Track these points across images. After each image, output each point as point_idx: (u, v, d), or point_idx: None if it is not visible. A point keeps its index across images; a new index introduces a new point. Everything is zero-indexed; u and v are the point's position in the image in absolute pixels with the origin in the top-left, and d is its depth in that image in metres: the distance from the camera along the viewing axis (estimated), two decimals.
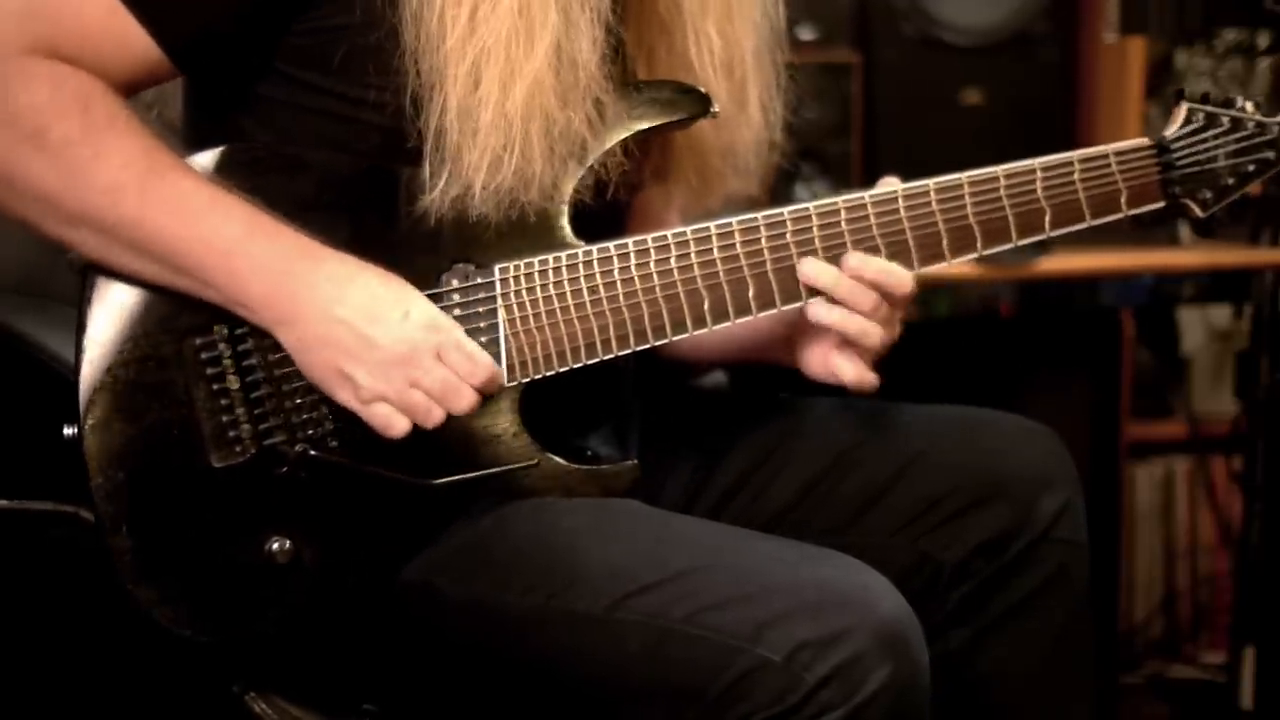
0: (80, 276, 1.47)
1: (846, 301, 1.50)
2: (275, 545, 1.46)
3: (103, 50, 1.42)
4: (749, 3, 1.63)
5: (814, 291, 1.51)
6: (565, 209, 1.50)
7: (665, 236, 1.49)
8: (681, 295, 1.50)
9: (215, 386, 1.46)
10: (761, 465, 1.70)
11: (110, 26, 1.42)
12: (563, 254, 1.49)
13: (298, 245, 1.43)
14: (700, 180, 1.68)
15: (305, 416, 1.47)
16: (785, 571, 1.38)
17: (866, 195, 1.51)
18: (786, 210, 1.51)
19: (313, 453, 1.47)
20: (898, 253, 1.51)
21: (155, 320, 1.46)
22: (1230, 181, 1.55)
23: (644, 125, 1.52)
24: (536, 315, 1.49)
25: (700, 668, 1.34)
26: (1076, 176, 1.53)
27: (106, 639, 1.64)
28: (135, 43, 1.43)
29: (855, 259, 1.50)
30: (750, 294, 1.50)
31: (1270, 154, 1.55)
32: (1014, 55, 2.78)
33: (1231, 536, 3.14)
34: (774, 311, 1.51)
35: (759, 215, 1.50)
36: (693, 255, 1.50)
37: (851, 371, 1.55)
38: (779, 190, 2.56)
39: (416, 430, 1.45)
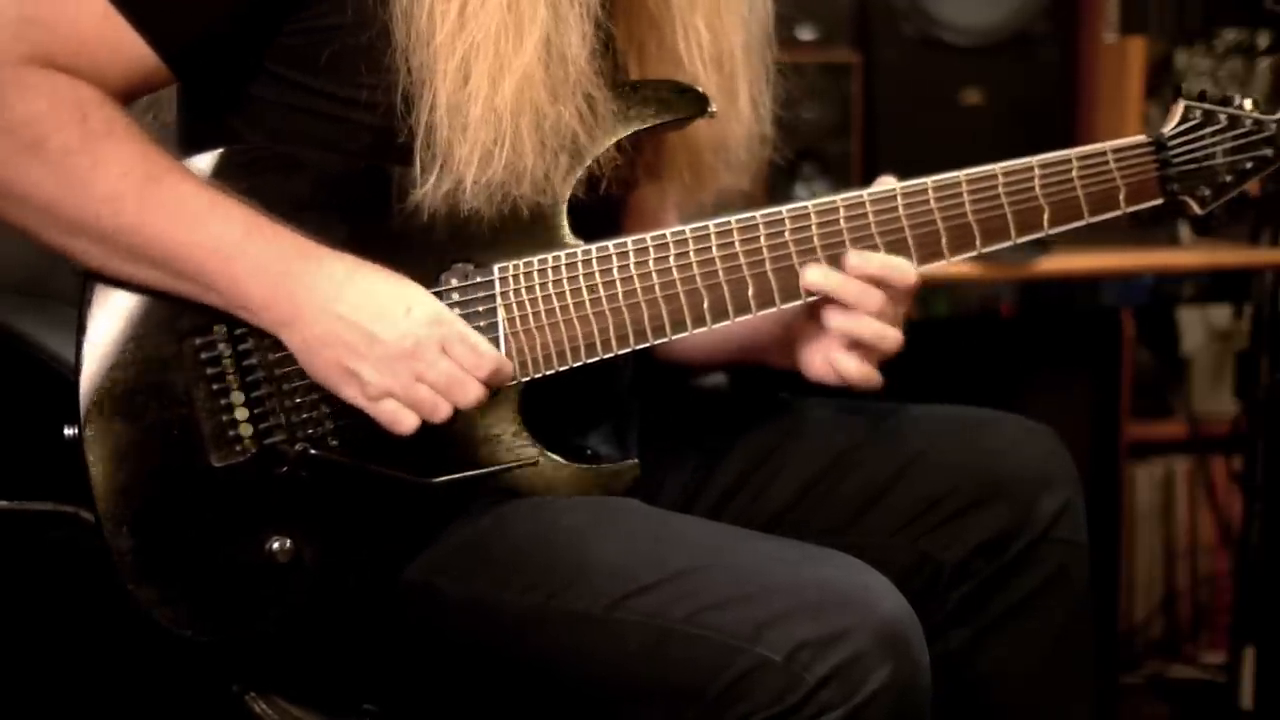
0: (81, 278, 1.47)
1: (855, 304, 1.50)
2: (276, 545, 1.46)
3: (99, 57, 1.42)
4: None
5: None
6: (563, 209, 1.50)
7: (664, 235, 1.50)
8: (681, 294, 1.50)
9: (215, 386, 1.46)
10: (761, 465, 1.70)
11: (105, 33, 1.42)
12: (561, 253, 1.49)
13: (297, 246, 1.43)
14: (693, 176, 1.68)
15: (305, 416, 1.47)
16: (785, 571, 1.38)
17: (865, 194, 1.51)
18: (785, 209, 1.51)
19: (313, 452, 1.47)
20: (896, 251, 1.51)
21: (155, 322, 1.46)
22: (1228, 179, 1.55)
23: (641, 125, 1.52)
24: (536, 315, 1.49)
25: (700, 667, 1.34)
26: (1075, 174, 1.53)
27: (107, 639, 1.64)
28: (130, 49, 1.43)
29: (855, 258, 1.50)
30: (750, 293, 1.50)
31: (1268, 151, 1.55)
32: (1014, 55, 2.78)
33: (1231, 536, 3.14)
34: (773, 310, 1.52)
35: (757, 214, 1.50)
36: (691, 254, 1.50)
37: (857, 370, 1.55)
38: (779, 190, 2.56)
39: (417, 429, 1.45)
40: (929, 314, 2.58)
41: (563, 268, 1.49)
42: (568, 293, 1.49)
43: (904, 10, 2.74)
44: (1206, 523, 3.21)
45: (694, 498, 1.71)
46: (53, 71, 1.40)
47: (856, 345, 1.54)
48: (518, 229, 1.49)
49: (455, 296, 1.48)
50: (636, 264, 1.49)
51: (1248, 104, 1.56)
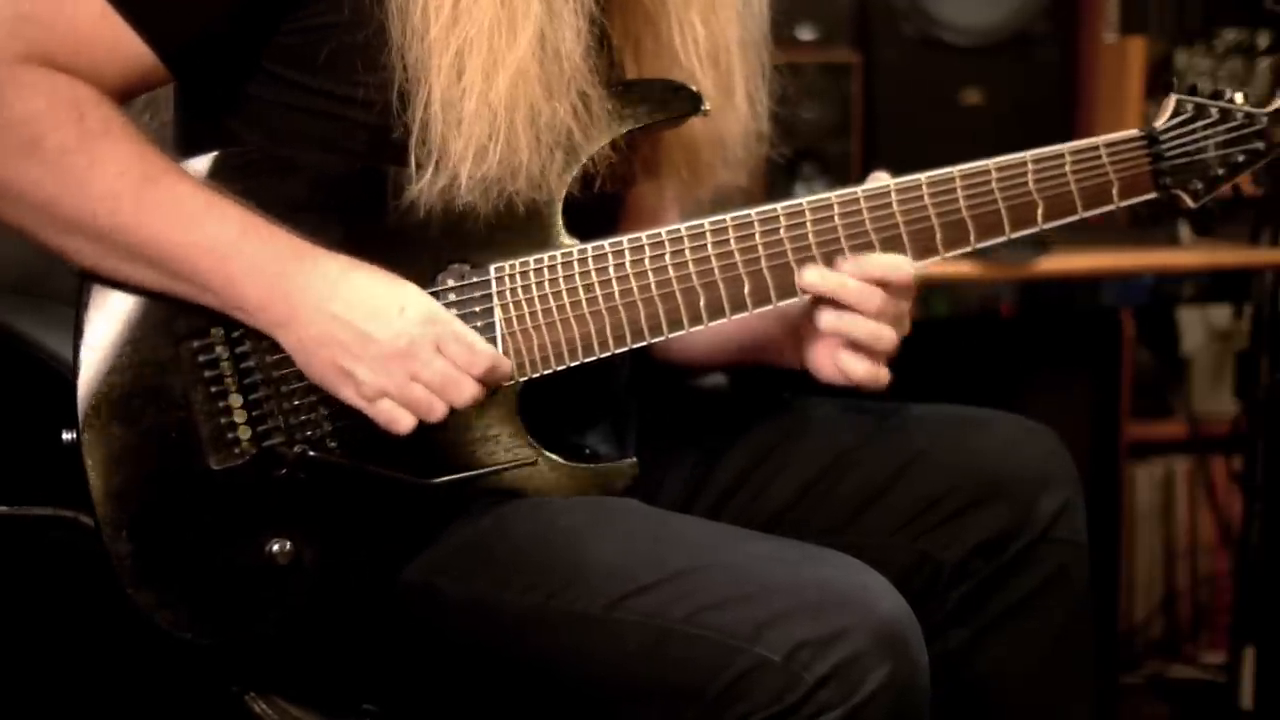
0: (78, 278, 1.47)
1: (854, 304, 1.51)
2: (275, 547, 1.46)
3: (96, 56, 1.42)
4: None
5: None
6: (559, 208, 1.50)
7: (660, 234, 1.50)
8: (677, 293, 1.50)
9: (213, 389, 1.46)
10: (761, 465, 1.70)
11: (102, 32, 1.42)
12: (558, 253, 1.49)
13: (292, 247, 1.43)
14: (691, 173, 1.68)
15: (303, 418, 1.47)
16: (784, 571, 1.38)
17: (860, 191, 1.52)
18: (780, 206, 1.51)
19: (311, 453, 1.47)
20: (891, 247, 1.52)
21: (152, 325, 1.46)
22: (1220, 172, 1.56)
23: (635, 125, 1.52)
24: (533, 314, 1.49)
25: (699, 667, 1.34)
26: (1068, 168, 1.53)
27: (107, 643, 1.64)
28: (128, 47, 1.43)
29: (851, 262, 1.50)
30: (746, 290, 1.50)
31: (1259, 144, 1.55)
32: (1014, 55, 2.78)
33: (1231, 536, 3.14)
34: (769, 309, 1.52)
35: (753, 212, 1.50)
36: (687, 253, 1.50)
37: (862, 370, 1.55)
38: (779, 189, 2.57)
39: (416, 430, 1.45)
40: (929, 314, 2.58)
41: (559, 267, 1.49)
42: (564, 292, 1.49)
43: (904, 10, 2.74)
44: (1206, 523, 3.21)
45: (693, 497, 1.71)
46: (50, 70, 1.40)
47: (854, 345, 1.53)
48: (514, 229, 1.49)
49: (452, 297, 1.48)
50: (633, 263, 1.49)
51: (1239, 97, 1.57)
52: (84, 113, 1.40)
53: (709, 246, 1.50)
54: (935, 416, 1.70)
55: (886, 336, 1.52)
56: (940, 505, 1.62)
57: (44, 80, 1.40)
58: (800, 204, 1.51)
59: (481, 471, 1.50)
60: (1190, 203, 1.56)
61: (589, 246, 1.49)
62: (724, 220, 1.50)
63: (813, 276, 1.50)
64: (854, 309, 1.51)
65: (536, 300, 1.49)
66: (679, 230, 1.50)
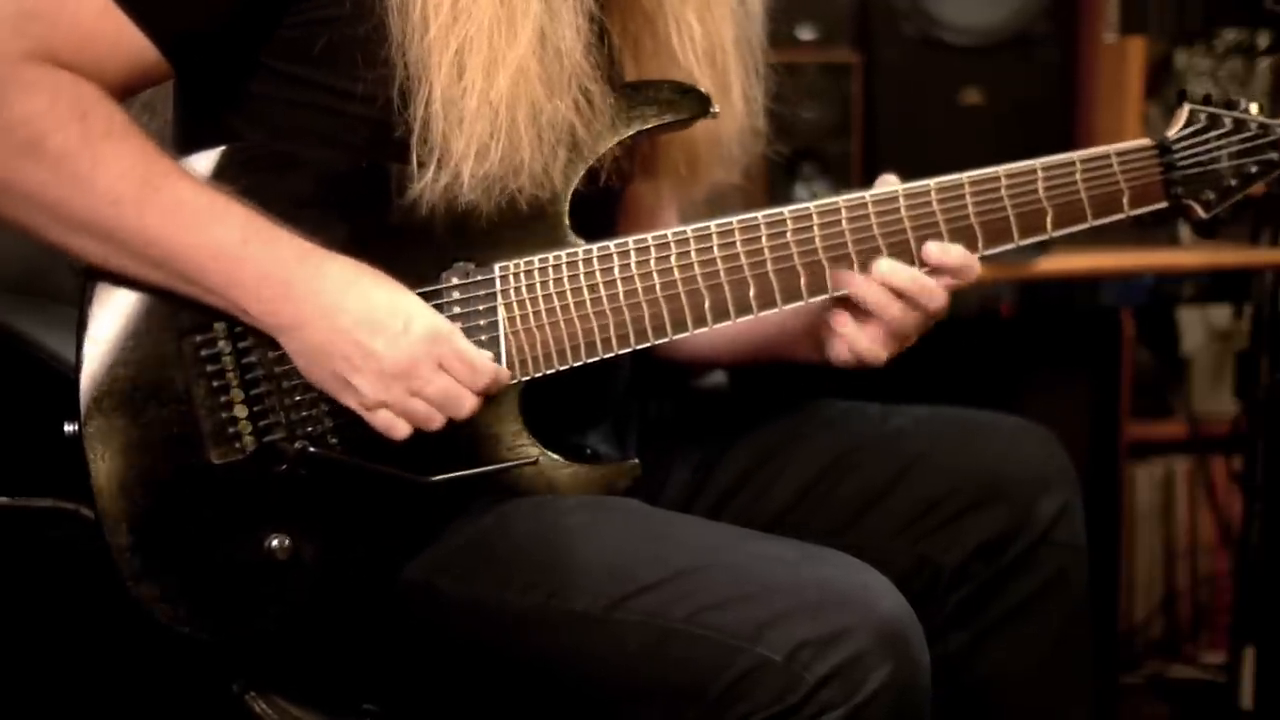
0: (81, 277, 1.46)
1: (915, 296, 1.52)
2: (275, 542, 1.46)
3: (99, 51, 1.42)
4: None
5: (836, 287, 1.51)
6: (565, 207, 1.50)
7: (665, 235, 1.50)
8: (682, 294, 1.50)
9: (215, 384, 1.46)
10: (761, 466, 1.70)
11: (105, 27, 1.41)
12: (562, 252, 1.49)
13: (296, 250, 1.43)
14: (689, 171, 1.68)
15: (305, 414, 1.47)
16: (785, 571, 1.38)
17: (867, 195, 1.52)
18: (787, 210, 1.51)
19: (312, 449, 1.47)
20: (899, 253, 1.52)
21: (156, 319, 1.46)
22: (1233, 182, 1.56)
23: (644, 125, 1.52)
24: (536, 314, 1.49)
25: (700, 667, 1.34)
26: (1078, 177, 1.53)
27: (107, 637, 1.64)
28: (130, 42, 1.42)
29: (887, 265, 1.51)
30: (751, 293, 1.50)
31: (1274, 155, 1.55)
32: (1014, 55, 2.78)
33: (1231, 536, 3.14)
34: (774, 312, 1.51)
35: (759, 215, 1.50)
36: (693, 254, 1.50)
37: (876, 351, 1.55)
38: (779, 190, 2.57)
39: (429, 430, 1.45)
40: None
41: (563, 266, 1.49)
42: (568, 292, 1.49)
43: (904, 10, 2.74)
44: (1206, 523, 3.21)
45: (694, 498, 1.71)
46: (54, 67, 1.40)
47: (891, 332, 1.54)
48: (518, 227, 1.49)
49: (456, 295, 1.48)
50: (638, 263, 1.49)
51: (1253, 108, 1.56)
52: (86, 112, 1.40)
53: (715, 248, 1.50)
54: (935, 419, 1.70)
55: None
56: (940, 508, 1.63)
57: (47, 78, 1.39)
58: (808, 208, 1.51)
59: (483, 470, 1.50)
60: (1202, 213, 1.56)
61: (594, 246, 1.49)
62: (730, 222, 1.50)
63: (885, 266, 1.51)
64: (923, 306, 1.52)
65: (540, 300, 1.49)
66: (685, 231, 1.50)
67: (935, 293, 1.52)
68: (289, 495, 1.47)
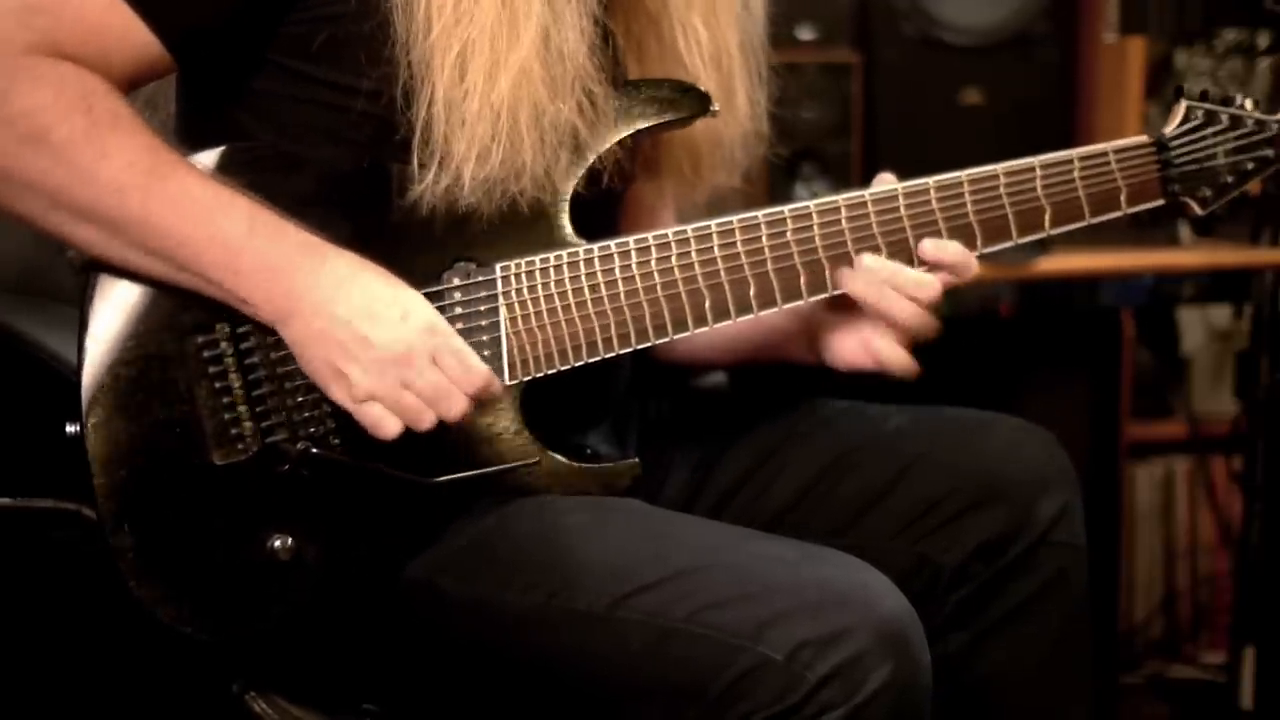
0: (81, 275, 1.46)
1: (913, 292, 1.52)
2: (277, 543, 1.46)
3: (105, 45, 1.42)
4: None
5: (836, 285, 1.52)
6: (565, 207, 1.50)
7: (666, 235, 1.50)
8: (683, 294, 1.50)
9: (217, 384, 1.46)
10: (761, 465, 1.70)
11: (110, 21, 1.42)
12: (563, 252, 1.49)
13: (300, 242, 1.43)
14: (692, 172, 1.68)
15: (307, 414, 1.47)
16: (786, 570, 1.38)
17: (867, 194, 1.52)
18: (787, 209, 1.51)
19: (314, 450, 1.47)
20: (898, 251, 1.52)
21: (158, 318, 1.46)
22: (1229, 179, 1.56)
23: (645, 124, 1.52)
24: (538, 314, 1.49)
25: (701, 666, 1.34)
26: (1076, 174, 1.53)
27: (108, 637, 1.64)
28: (136, 36, 1.43)
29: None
30: (751, 293, 1.50)
31: (1269, 152, 1.55)
32: (1014, 55, 2.78)
33: (1231, 536, 3.14)
34: (774, 311, 1.52)
35: (759, 214, 1.51)
36: (693, 254, 1.50)
37: (894, 354, 1.56)
38: (779, 190, 2.57)
39: (418, 429, 1.45)
40: None
41: (564, 266, 1.49)
42: (569, 291, 1.49)
43: (904, 10, 2.74)
44: (1206, 523, 3.21)
45: (694, 498, 1.71)
46: (59, 60, 1.40)
47: (894, 327, 1.54)
48: (519, 227, 1.49)
49: (457, 295, 1.48)
50: (638, 263, 1.50)
51: (1249, 104, 1.56)
52: (92, 104, 1.40)
53: (715, 248, 1.50)
54: (935, 419, 1.70)
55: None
56: (940, 508, 1.63)
57: (52, 71, 1.39)
58: (808, 207, 1.51)
59: (484, 471, 1.50)
60: (1199, 210, 1.56)
61: (595, 246, 1.49)
62: (730, 221, 1.50)
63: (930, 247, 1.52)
64: (914, 297, 1.52)
65: (541, 299, 1.49)
66: (685, 231, 1.50)
67: (926, 281, 1.52)
68: (291, 496, 1.47)
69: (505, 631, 1.44)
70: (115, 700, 1.72)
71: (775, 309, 1.51)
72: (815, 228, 1.51)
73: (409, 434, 1.45)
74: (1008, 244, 1.54)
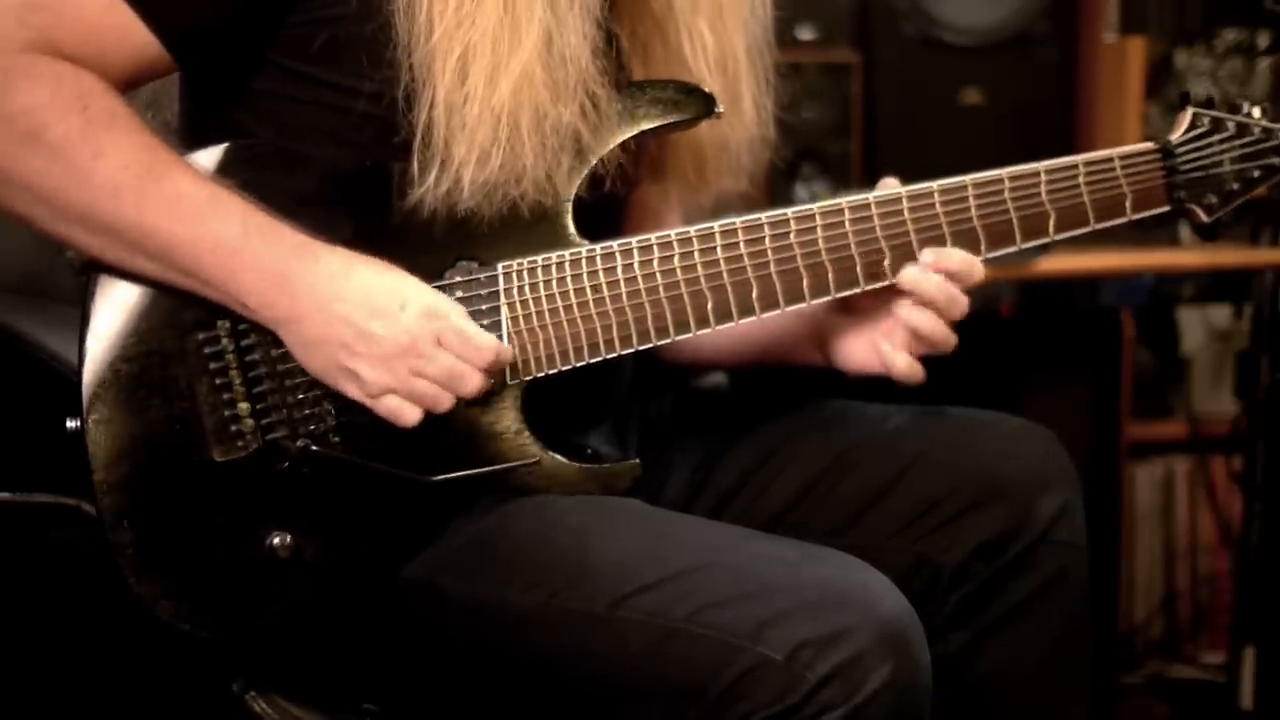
0: (81, 275, 1.46)
1: (932, 299, 1.52)
2: (276, 540, 1.46)
3: (104, 44, 1.42)
4: (739, 1, 1.63)
5: (839, 289, 1.51)
6: (569, 207, 1.50)
7: (669, 236, 1.50)
8: (685, 295, 1.50)
9: (218, 381, 1.46)
10: (761, 466, 1.70)
11: (109, 20, 1.42)
12: (566, 252, 1.49)
13: (294, 244, 1.43)
14: (697, 176, 1.68)
15: (307, 412, 1.47)
16: (786, 570, 1.38)
17: (870, 197, 1.52)
18: (790, 211, 1.51)
19: (315, 448, 1.47)
20: (902, 255, 1.52)
21: (159, 316, 1.46)
22: (1235, 187, 1.56)
23: (648, 125, 1.52)
24: (540, 313, 1.49)
25: (701, 666, 1.34)
26: (1081, 180, 1.53)
27: (107, 634, 1.65)
28: (135, 36, 1.43)
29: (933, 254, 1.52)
30: (754, 295, 1.50)
31: (1276, 160, 1.55)
32: (1014, 55, 2.78)
33: (1231, 536, 3.14)
34: (776, 313, 1.51)
35: (762, 216, 1.50)
36: (696, 255, 1.50)
37: (905, 363, 1.56)
38: (779, 190, 2.57)
39: (419, 426, 1.45)
40: None
41: (567, 266, 1.49)
42: (571, 292, 1.49)
43: (904, 10, 2.74)
44: (1206, 523, 3.21)
45: (694, 498, 1.71)
46: (56, 59, 1.40)
47: (917, 337, 1.54)
48: (522, 226, 1.49)
49: (459, 294, 1.48)
50: (641, 264, 1.49)
51: (1256, 112, 1.56)
52: (88, 104, 1.40)
53: (718, 249, 1.50)
54: (935, 418, 1.70)
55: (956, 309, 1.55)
56: (940, 507, 1.62)
57: (49, 69, 1.39)
58: (811, 209, 1.51)
59: (485, 470, 1.50)
60: (1204, 217, 1.56)
61: (597, 246, 1.49)
62: (733, 223, 1.50)
63: (910, 277, 1.52)
64: (931, 303, 1.52)
65: (544, 299, 1.49)
66: (688, 232, 1.50)
67: (978, 271, 1.53)
68: (291, 493, 1.47)
69: (505, 631, 1.44)
70: (115, 698, 1.72)
71: (777, 311, 1.51)
72: (819, 230, 1.51)
73: (411, 431, 1.45)
74: (1011, 249, 1.54)
